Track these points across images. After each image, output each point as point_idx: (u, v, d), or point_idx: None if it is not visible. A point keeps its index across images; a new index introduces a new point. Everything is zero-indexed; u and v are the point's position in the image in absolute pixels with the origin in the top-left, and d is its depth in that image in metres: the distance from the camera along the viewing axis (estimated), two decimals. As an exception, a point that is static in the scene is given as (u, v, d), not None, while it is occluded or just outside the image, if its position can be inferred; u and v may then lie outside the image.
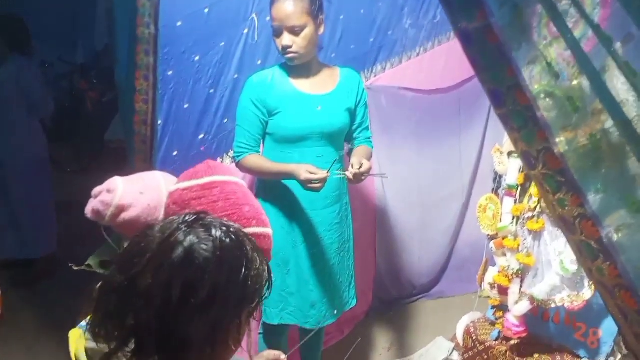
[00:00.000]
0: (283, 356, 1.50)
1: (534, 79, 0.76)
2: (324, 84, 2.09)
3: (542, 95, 0.77)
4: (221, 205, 1.14)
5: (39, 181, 3.52)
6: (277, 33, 1.98)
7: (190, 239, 0.81)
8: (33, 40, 3.50)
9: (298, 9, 1.94)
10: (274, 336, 2.20)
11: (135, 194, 1.30)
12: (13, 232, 3.50)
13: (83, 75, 5.54)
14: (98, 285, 0.87)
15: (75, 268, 1.42)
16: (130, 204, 1.29)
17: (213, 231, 0.83)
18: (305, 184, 1.91)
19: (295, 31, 1.95)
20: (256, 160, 2.05)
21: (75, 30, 5.83)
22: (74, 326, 1.20)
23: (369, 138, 2.26)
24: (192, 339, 0.79)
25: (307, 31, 1.96)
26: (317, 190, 1.93)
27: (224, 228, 0.84)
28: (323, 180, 1.91)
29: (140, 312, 0.79)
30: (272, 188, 2.11)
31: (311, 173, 1.90)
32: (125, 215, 1.28)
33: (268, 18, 2.36)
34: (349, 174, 2.00)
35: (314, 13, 1.98)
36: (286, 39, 1.96)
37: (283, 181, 2.07)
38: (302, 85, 2.06)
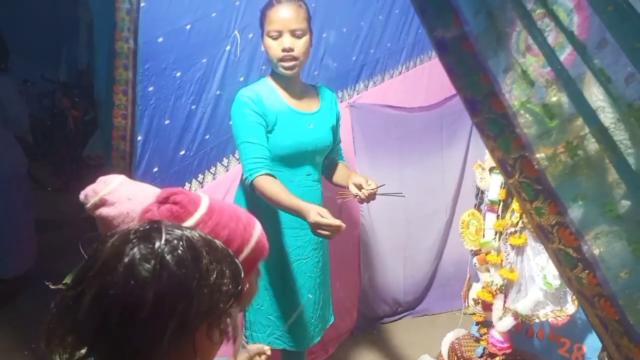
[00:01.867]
0: (267, 347, 1.48)
1: (513, 95, 0.76)
2: (310, 102, 2.09)
3: (522, 111, 0.77)
4: (243, 217, 1.14)
5: (16, 198, 3.45)
6: (277, 36, 1.92)
7: (133, 254, 0.78)
8: (15, 57, 3.47)
9: (300, 12, 1.93)
10: None
11: (123, 196, 1.28)
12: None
13: (65, 93, 5.50)
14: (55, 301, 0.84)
15: (52, 287, 1.38)
16: (113, 202, 1.28)
17: (157, 245, 0.79)
18: (313, 227, 1.73)
19: (297, 34, 1.91)
20: (271, 185, 1.86)
21: (58, 49, 5.82)
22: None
23: (342, 154, 2.29)
24: (145, 352, 0.77)
25: (307, 38, 1.95)
26: (326, 237, 1.75)
27: (175, 242, 0.80)
28: (334, 228, 1.71)
29: (84, 327, 0.77)
30: (259, 207, 2.00)
31: (322, 217, 1.72)
32: (102, 211, 1.27)
33: (251, 35, 2.37)
34: (362, 194, 1.99)
35: (309, 22, 1.97)
36: (288, 41, 1.91)
37: (264, 206, 1.95)
38: (293, 102, 2.03)
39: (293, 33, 1.91)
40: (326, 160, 2.20)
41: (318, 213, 1.73)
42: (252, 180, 1.88)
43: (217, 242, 0.87)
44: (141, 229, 0.81)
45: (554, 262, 0.83)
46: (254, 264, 1.14)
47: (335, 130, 2.17)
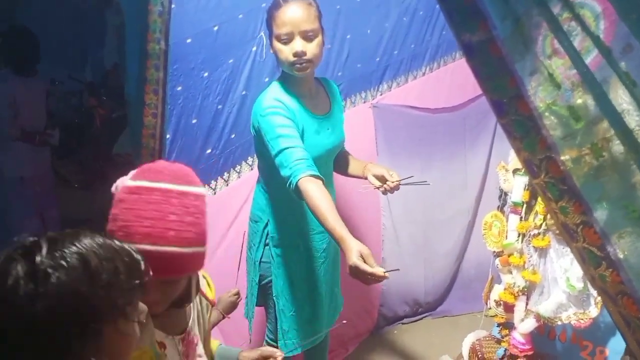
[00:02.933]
0: (279, 353, 1.48)
1: (539, 97, 0.78)
2: (322, 102, 2.03)
3: (547, 114, 0.78)
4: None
5: (42, 196, 3.54)
6: (287, 40, 1.81)
7: (16, 272, 0.79)
8: (44, 57, 3.54)
9: (311, 12, 1.82)
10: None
11: None
12: None
13: (92, 92, 5.62)
14: None
15: None
16: None
17: (38, 259, 0.80)
18: (351, 271, 1.54)
19: (308, 36, 1.80)
20: (318, 195, 1.68)
21: (85, 49, 5.95)
22: None
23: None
24: None
25: (319, 39, 1.84)
26: (364, 282, 1.56)
27: (57, 253, 0.81)
28: (375, 278, 1.52)
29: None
30: (280, 210, 2.02)
31: (364, 261, 1.52)
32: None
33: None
34: (387, 186, 1.97)
35: (321, 22, 1.87)
36: (299, 44, 1.79)
37: (298, 205, 1.89)
38: (311, 106, 1.95)
39: (304, 35, 1.80)
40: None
41: (360, 255, 1.53)
42: (296, 182, 1.71)
43: (110, 241, 0.88)
44: (24, 244, 0.82)
45: (578, 261, 0.84)
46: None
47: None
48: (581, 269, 0.88)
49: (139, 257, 0.90)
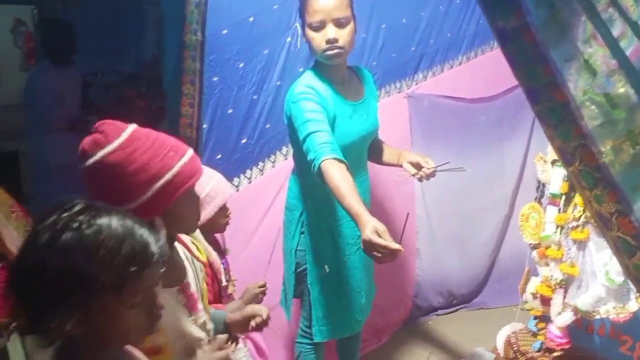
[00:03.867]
0: (263, 309, 1.52)
1: (575, 84, 0.76)
2: (356, 89, 2.03)
3: (584, 101, 0.77)
4: (158, 145, 1.20)
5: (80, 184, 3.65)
6: (319, 27, 1.83)
7: (42, 238, 0.89)
8: (86, 50, 3.65)
9: (343, 0, 1.84)
10: (319, 349, 2.19)
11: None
12: None
13: (132, 84, 5.76)
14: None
15: None
16: None
17: (58, 228, 0.89)
18: (365, 245, 1.52)
19: (341, 23, 1.82)
20: (338, 174, 1.69)
21: (125, 41, 6.09)
22: None
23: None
24: (63, 322, 0.88)
25: (351, 26, 1.86)
26: (377, 261, 1.54)
27: (74, 224, 0.90)
28: (389, 252, 1.49)
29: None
30: (314, 198, 2.03)
31: (379, 235, 1.50)
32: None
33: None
34: (423, 173, 1.97)
35: (353, 9, 1.89)
36: (332, 31, 1.82)
37: (327, 199, 1.92)
38: (344, 93, 1.96)
39: (337, 22, 1.82)
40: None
41: (375, 230, 1.51)
42: (319, 165, 1.72)
43: (137, 226, 0.94)
44: (73, 202, 0.93)
45: (612, 250, 0.83)
46: (179, 188, 1.20)
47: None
48: (616, 259, 0.87)
49: (153, 250, 0.94)
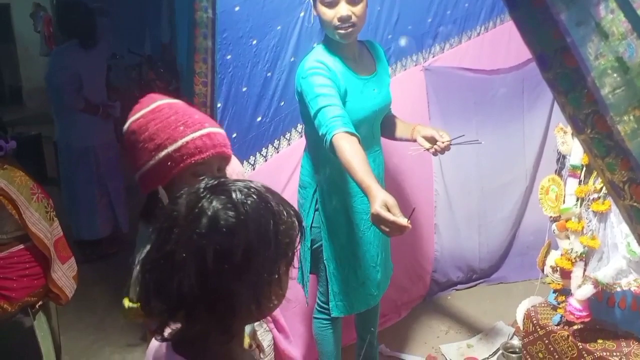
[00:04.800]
0: None
1: (586, 48, 0.73)
2: (367, 64, 2.01)
3: (595, 65, 0.74)
4: (174, 118, 1.25)
5: (108, 165, 3.71)
6: (332, 4, 1.81)
7: (214, 206, 0.83)
8: (106, 33, 3.66)
9: None
10: (337, 324, 2.21)
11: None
12: (81, 215, 3.71)
13: (151, 65, 5.78)
14: (138, 264, 0.91)
15: None
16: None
17: (234, 195, 0.84)
18: (374, 219, 1.54)
19: (354, 0, 1.81)
20: (349, 147, 1.69)
21: (144, 23, 6.10)
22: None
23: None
24: (236, 300, 0.83)
25: (364, 2, 1.84)
26: (385, 234, 1.54)
27: (245, 190, 0.85)
28: (397, 227, 1.49)
29: (182, 284, 0.81)
30: (328, 175, 2.03)
31: (388, 210, 1.50)
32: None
33: (324, 0, 2.38)
34: (438, 147, 1.95)
35: None
36: (344, 8, 1.81)
37: (341, 175, 1.94)
38: (355, 67, 1.95)
39: (350, 0, 1.81)
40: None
41: (384, 203, 1.51)
42: (330, 139, 1.72)
43: (271, 190, 0.91)
44: (209, 185, 0.87)
45: (624, 219, 0.80)
46: (180, 162, 1.23)
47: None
48: (627, 228, 0.84)
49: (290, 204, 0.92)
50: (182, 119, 1.26)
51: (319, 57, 1.90)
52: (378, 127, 2.09)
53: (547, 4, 0.71)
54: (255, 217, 0.84)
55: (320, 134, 1.78)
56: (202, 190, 0.86)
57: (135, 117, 1.28)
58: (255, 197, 0.85)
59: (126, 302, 1.19)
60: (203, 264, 0.80)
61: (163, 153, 1.23)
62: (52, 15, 6.81)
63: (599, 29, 0.71)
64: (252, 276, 0.82)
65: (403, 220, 1.49)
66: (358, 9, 1.83)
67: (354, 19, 1.82)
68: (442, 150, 1.96)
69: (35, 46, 7.92)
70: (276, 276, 0.85)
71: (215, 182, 0.88)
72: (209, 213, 0.83)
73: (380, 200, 1.52)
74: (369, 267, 2.10)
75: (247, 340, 1.38)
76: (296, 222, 0.89)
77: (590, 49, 0.71)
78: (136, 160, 1.27)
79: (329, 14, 1.83)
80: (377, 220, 1.52)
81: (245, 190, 0.86)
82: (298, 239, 0.89)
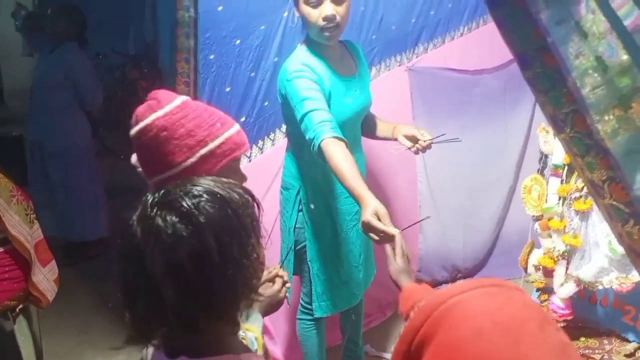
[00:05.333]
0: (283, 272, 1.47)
1: (565, 47, 0.74)
2: (347, 64, 2.00)
3: (574, 65, 0.75)
4: (206, 115, 1.23)
5: (84, 167, 3.66)
6: (317, 4, 1.79)
7: (169, 221, 0.82)
8: (88, 32, 3.64)
9: None
10: (320, 325, 2.21)
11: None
12: (64, 215, 3.65)
13: (134, 65, 5.73)
14: (120, 286, 0.88)
15: None
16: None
17: (184, 203, 0.83)
18: (364, 227, 1.54)
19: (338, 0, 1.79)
20: (338, 153, 1.68)
21: (126, 23, 6.04)
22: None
23: None
24: (230, 293, 0.83)
25: (348, 2, 1.83)
26: (374, 241, 1.55)
27: (191, 193, 0.85)
28: (387, 236, 1.50)
29: (174, 302, 0.81)
30: (312, 175, 2.03)
31: (378, 218, 1.51)
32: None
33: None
34: (419, 146, 1.95)
35: None
36: (329, 8, 1.78)
37: (324, 175, 1.96)
38: (338, 68, 1.93)
39: None
40: None
41: (375, 212, 1.52)
42: (319, 144, 1.71)
43: (215, 178, 0.91)
44: (155, 201, 0.85)
45: (604, 218, 0.81)
46: (222, 159, 1.22)
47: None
48: (608, 226, 0.85)
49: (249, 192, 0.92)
50: (214, 116, 1.25)
51: (302, 59, 1.88)
52: (359, 128, 2.09)
53: (527, 3, 0.71)
54: (213, 215, 0.84)
55: (307, 138, 1.77)
56: (149, 209, 0.85)
57: (159, 113, 1.20)
58: (204, 195, 0.85)
59: None
60: (186, 276, 0.80)
61: (205, 150, 1.20)
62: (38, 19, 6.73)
63: (579, 28, 0.71)
64: (235, 266, 0.83)
65: (393, 230, 1.49)
66: (342, 8, 1.81)
67: (338, 18, 1.81)
68: (424, 149, 1.96)
69: (16, 46, 7.79)
70: (254, 255, 0.86)
71: (157, 195, 0.86)
72: (169, 231, 0.81)
73: (372, 209, 1.53)
74: (352, 267, 2.11)
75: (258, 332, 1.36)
76: (249, 198, 0.89)
77: (570, 48, 0.72)
78: (167, 158, 1.19)
79: (313, 14, 1.81)
80: (367, 228, 1.52)
81: (192, 193, 0.85)
82: (257, 211, 0.89)
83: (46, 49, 3.56)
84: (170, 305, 0.80)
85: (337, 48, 1.96)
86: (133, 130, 1.23)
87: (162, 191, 0.86)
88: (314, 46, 1.91)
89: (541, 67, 0.74)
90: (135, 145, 1.25)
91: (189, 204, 0.83)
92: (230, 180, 0.91)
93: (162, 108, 1.21)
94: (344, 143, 1.72)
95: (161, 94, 1.24)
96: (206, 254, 0.81)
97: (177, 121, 1.19)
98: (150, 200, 0.85)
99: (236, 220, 0.85)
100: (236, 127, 1.26)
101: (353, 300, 2.17)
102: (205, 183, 0.87)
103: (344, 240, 2.07)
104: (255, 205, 0.90)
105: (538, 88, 0.77)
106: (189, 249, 0.80)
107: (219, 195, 0.85)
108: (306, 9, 1.82)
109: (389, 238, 1.49)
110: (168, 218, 0.82)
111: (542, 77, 0.75)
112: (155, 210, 0.83)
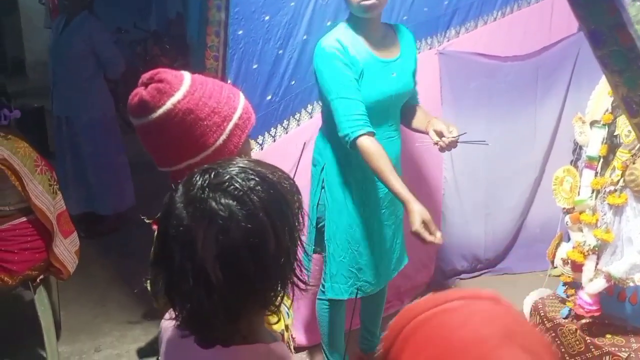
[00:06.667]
0: None
1: None
2: (390, 47, 2.00)
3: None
4: (218, 88, 1.17)
5: (109, 140, 3.65)
6: None
7: (225, 204, 0.77)
8: (110, 7, 3.61)
9: None
10: (335, 307, 2.21)
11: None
12: (82, 188, 3.65)
13: (156, 41, 5.71)
14: (163, 282, 0.83)
15: (147, 221, 1.46)
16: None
17: (238, 185, 0.79)
18: (414, 235, 1.73)
19: None
20: (376, 153, 1.82)
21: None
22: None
23: (417, 97, 2.18)
24: (281, 280, 0.81)
25: None
26: (422, 241, 1.74)
27: (242, 174, 0.80)
28: (432, 243, 1.73)
29: (227, 292, 0.77)
30: (341, 157, 2.03)
31: (425, 224, 1.71)
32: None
33: (340, -24, 2.31)
34: (443, 142, 1.93)
35: None
36: None
37: (357, 154, 1.94)
38: (376, 50, 1.94)
39: None
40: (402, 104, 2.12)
41: (422, 221, 1.71)
42: (353, 139, 1.83)
43: (259, 160, 0.88)
44: (206, 184, 0.80)
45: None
46: (244, 130, 1.18)
47: (414, 73, 2.09)
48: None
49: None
50: (223, 87, 1.20)
51: (338, 35, 1.90)
52: (396, 113, 2.06)
53: (603, -24, 0.65)
54: (267, 198, 0.80)
55: (338, 126, 1.87)
56: (199, 190, 0.79)
57: (178, 96, 1.12)
58: (255, 178, 0.81)
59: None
60: (239, 260, 0.77)
61: (231, 124, 1.15)
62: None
63: (661, 5, 0.65)
64: (286, 252, 0.80)
65: (439, 240, 1.72)
66: None
67: None
68: (448, 147, 1.93)
69: (39, 18, 7.80)
70: (300, 242, 0.84)
71: (207, 176, 0.81)
72: (224, 214, 0.77)
73: (419, 218, 1.71)
74: (370, 254, 2.09)
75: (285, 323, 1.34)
76: (293, 183, 0.86)
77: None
78: (199, 140, 1.14)
79: None
80: (417, 237, 1.73)
81: (242, 174, 0.81)
82: (300, 198, 0.86)
83: (60, 22, 3.54)
84: (219, 290, 0.76)
85: (379, 27, 1.97)
86: (149, 119, 1.12)
87: (212, 173, 0.81)
88: (355, 23, 1.92)
89: (615, 45, 0.69)
90: (152, 133, 1.14)
91: (243, 185, 0.79)
92: (273, 165, 0.87)
93: (179, 90, 1.13)
94: (374, 137, 1.86)
95: (165, 74, 1.15)
96: (262, 238, 0.77)
97: (199, 100, 1.13)
98: (199, 182, 0.80)
99: (286, 205, 0.81)
100: (242, 95, 1.23)
101: (367, 288, 2.14)
102: (253, 164, 0.83)
103: (364, 225, 2.06)
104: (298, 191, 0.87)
105: (611, 68, 0.71)
106: (244, 233, 0.76)
107: (269, 180, 0.81)
108: None
109: (435, 246, 1.74)
110: (223, 201, 0.77)
111: (616, 56, 0.69)
112: (207, 192, 0.79)
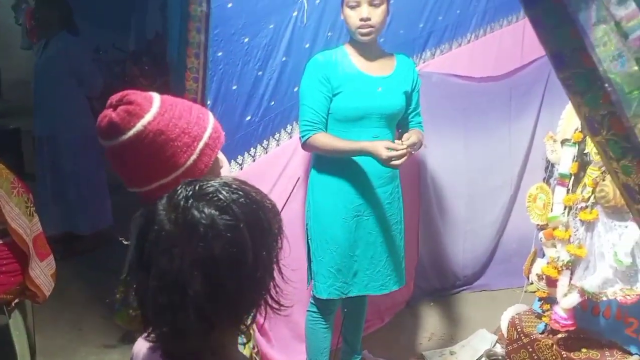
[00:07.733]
0: None
1: (604, 48, 0.72)
2: (383, 66, 2.15)
3: (612, 67, 0.73)
4: (187, 107, 1.18)
5: (89, 159, 3.63)
6: (355, 6, 2.01)
7: (208, 213, 0.78)
8: (88, 26, 3.62)
9: None
10: (324, 312, 2.25)
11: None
12: (63, 208, 3.61)
13: (135, 62, 5.69)
14: (134, 289, 0.84)
15: (126, 242, 1.45)
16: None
17: (221, 196, 0.80)
18: (386, 162, 1.93)
19: (375, 4, 2.01)
20: (326, 138, 2.06)
21: (128, 19, 6.00)
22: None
23: (421, 123, 2.29)
24: (257, 296, 0.82)
25: (384, 7, 2.04)
26: (397, 167, 1.96)
27: (227, 187, 0.82)
28: (403, 156, 1.92)
29: (200, 300, 0.77)
30: (328, 165, 2.15)
31: (392, 149, 1.91)
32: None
33: (318, 0, 2.37)
34: (388, 154, 2.02)
35: None
36: (366, 11, 2.00)
37: (340, 159, 2.10)
38: (364, 66, 2.10)
39: (371, 3, 2.01)
40: (401, 127, 2.24)
41: (386, 147, 1.92)
42: (305, 141, 2.08)
43: (243, 180, 0.88)
44: (189, 193, 0.81)
45: (637, 224, 0.80)
46: (214, 149, 1.18)
47: (409, 96, 2.20)
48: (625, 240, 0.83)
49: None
50: (192, 106, 1.20)
51: (330, 52, 2.13)
52: (388, 132, 2.14)
53: (564, 1, 0.70)
54: (249, 212, 0.81)
55: (299, 128, 2.11)
56: (183, 199, 0.80)
57: (148, 117, 1.12)
58: (239, 192, 0.82)
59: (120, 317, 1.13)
60: (218, 270, 0.77)
61: (201, 143, 1.15)
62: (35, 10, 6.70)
63: (619, 29, 0.69)
64: (263, 268, 0.81)
65: (401, 147, 1.93)
66: (378, 12, 2.02)
67: (373, 21, 2.01)
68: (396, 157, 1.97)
69: (15, 38, 7.73)
70: (278, 262, 0.85)
71: (191, 188, 0.82)
72: (205, 222, 0.78)
73: (382, 147, 1.93)
74: (346, 256, 2.15)
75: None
76: (274, 204, 0.87)
77: (606, 48, 0.70)
78: (170, 161, 1.14)
79: (352, 15, 2.03)
80: (388, 160, 1.92)
81: (227, 188, 0.82)
82: (280, 219, 0.87)
83: (41, 43, 3.55)
84: (193, 298, 0.76)
85: (375, 50, 2.14)
86: (119, 140, 1.12)
87: (197, 185, 0.82)
88: (352, 45, 2.13)
89: (578, 67, 0.73)
90: (122, 154, 1.14)
91: (227, 197, 0.80)
92: (257, 187, 0.88)
93: (149, 111, 1.13)
94: (323, 133, 2.07)
95: (135, 95, 1.14)
96: (241, 250, 0.78)
97: (169, 121, 1.13)
98: (184, 193, 0.81)
99: (267, 223, 0.83)
100: (209, 112, 1.24)
101: (346, 290, 2.20)
102: (238, 182, 0.85)
103: (342, 228, 2.14)
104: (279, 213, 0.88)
105: (574, 89, 0.75)
106: (225, 243, 0.77)
107: (252, 197, 0.83)
108: (346, 11, 2.05)
109: (405, 155, 1.93)
110: (206, 210, 0.78)
111: (578, 78, 0.73)
112: (190, 201, 0.80)
